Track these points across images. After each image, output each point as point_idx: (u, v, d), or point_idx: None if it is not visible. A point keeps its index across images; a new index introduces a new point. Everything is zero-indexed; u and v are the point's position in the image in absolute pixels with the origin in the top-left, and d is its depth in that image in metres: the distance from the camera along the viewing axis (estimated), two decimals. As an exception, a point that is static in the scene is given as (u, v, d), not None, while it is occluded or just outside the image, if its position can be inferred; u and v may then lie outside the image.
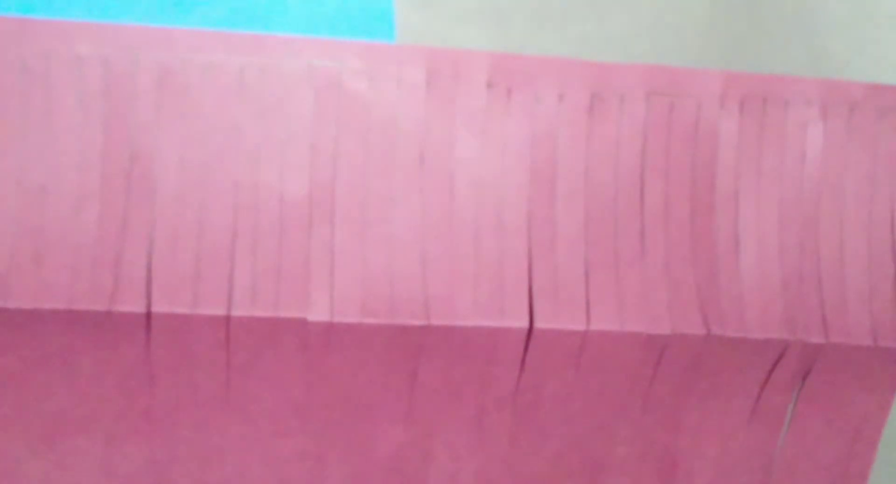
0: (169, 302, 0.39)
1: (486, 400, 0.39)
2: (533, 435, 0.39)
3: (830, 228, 0.44)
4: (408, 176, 0.41)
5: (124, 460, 0.41)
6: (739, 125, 0.44)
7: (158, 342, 0.40)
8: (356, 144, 0.41)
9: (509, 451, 0.38)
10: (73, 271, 0.39)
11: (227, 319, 0.40)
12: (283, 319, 0.40)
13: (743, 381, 0.42)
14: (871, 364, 0.44)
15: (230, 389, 0.41)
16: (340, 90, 0.40)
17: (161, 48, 0.39)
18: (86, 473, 0.41)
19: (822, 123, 0.44)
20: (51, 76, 0.39)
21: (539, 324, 0.42)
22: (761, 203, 0.44)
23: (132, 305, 0.39)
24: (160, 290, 0.39)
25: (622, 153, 0.43)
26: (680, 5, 0.43)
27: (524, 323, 0.42)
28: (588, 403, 0.40)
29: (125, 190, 0.39)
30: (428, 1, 0.41)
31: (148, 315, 0.39)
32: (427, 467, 0.39)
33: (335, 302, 0.40)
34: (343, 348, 0.40)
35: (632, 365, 0.39)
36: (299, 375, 0.41)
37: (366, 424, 0.40)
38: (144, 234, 0.39)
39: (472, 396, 0.39)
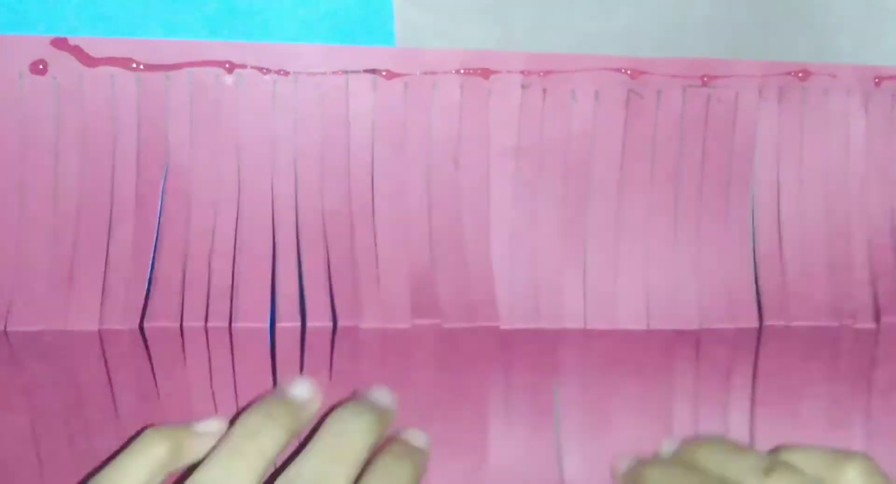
0: (196, 317, 0.39)
1: (535, 415, 0.39)
2: (587, 453, 0.38)
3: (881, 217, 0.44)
4: (443, 180, 0.41)
5: None
6: (779, 115, 0.43)
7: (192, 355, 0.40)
8: (392, 150, 0.40)
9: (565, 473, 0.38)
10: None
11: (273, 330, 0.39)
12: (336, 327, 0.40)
13: (804, 376, 0.42)
14: None
15: None
16: (375, 96, 0.40)
17: (192, 62, 0.38)
18: None
19: (865, 112, 0.43)
20: (84, 94, 0.38)
21: (568, 324, 0.42)
22: (804, 192, 0.43)
23: (165, 320, 0.39)
24: (191, 305, 0.39)
25: (658, 147, 0.42)
26: (683, 0, 0.42)
27: (558, 324, 0.42)
28: (636, 413, 0.39)
29: (160, 206, 0.39)
30: (428, 0, 0.40)
31: (181, 330, 0.39)
32: None
33: (385, 308, 0.40)
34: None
35: (669, 364, 0.39)
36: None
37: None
38: (179, 251, 0.39)
39: (522, 412, 0.39)
